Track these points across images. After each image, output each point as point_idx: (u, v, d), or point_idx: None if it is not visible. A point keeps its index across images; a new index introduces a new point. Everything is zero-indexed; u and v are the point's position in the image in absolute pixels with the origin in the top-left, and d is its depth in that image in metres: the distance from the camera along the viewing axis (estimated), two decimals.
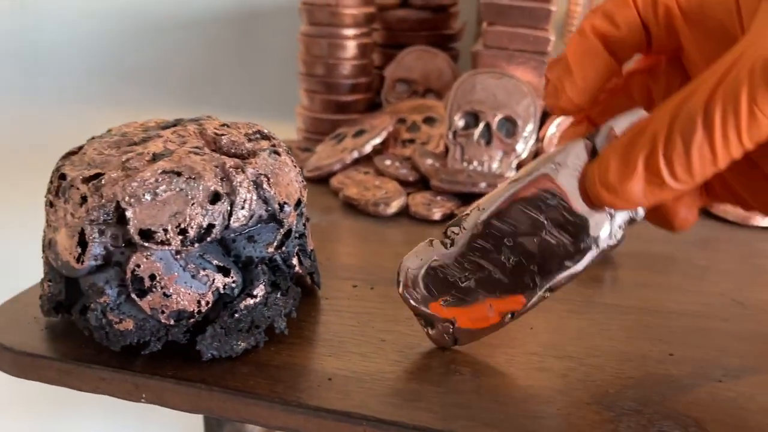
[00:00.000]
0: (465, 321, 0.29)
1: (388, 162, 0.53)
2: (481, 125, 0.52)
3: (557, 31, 0.71)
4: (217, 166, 0.28)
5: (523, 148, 0.52)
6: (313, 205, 0.49)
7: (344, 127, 0.60)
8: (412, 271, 0.29)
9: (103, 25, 0.81)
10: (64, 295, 0.30)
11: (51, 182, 0.29)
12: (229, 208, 0.28)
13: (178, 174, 0.27)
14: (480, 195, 0.49)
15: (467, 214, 0.28)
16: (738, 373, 0.30)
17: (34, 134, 0.83)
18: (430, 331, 0.30)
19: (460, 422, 0.26)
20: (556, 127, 0.56)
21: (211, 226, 0.28)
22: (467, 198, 0.49)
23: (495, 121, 0.52)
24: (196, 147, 0.29)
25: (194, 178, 0.27)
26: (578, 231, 0.26)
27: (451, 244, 0.28)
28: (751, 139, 0.20)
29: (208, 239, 0.28)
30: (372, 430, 0.26)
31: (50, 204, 0.29)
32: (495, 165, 0.52)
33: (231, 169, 0.28)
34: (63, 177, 0.29)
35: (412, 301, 0.29)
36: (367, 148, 0.54)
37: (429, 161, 0.52)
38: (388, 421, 0.26)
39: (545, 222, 0.27)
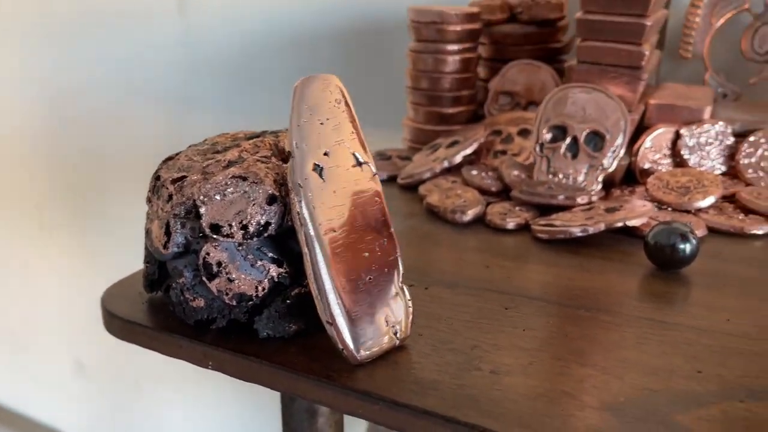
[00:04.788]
0: None
1: (474, 172, 0.56)
2: (568, 139, 0.53)
3: (674, 42, 0.69)
4: (277, 173, 0.33)
5: (611, 162, 0.53)
6: (399, 210, 0.53)
7: (442, 137, 0.63)
8: None
9: (243, 41, 0.91)
10: (157, 275, 0.36)
11: (151, 182, 0.36)
12: (283, 208, 0.33)
13: (244, 178, 0.33)
14: (558, 207, 0.50)
15: None
16: (765, 396, 0.29)
17: (183, 137, 0.95)
18: None
19: (464, 411, 0.28)
20: (651, 141, 0.56)
21: (267, 223, 0.32)
22: (546, 209, 0.50)
23: (582, 135, 0.53)
24: (264, 156, 0.35)
25: (256, 183, 0.32)
26: None
27: None
28: None
29: (265, 234, 0.33)
30: (386, 410, 0.29)
31: (149, 200, 0.36)
32: (580, 178, 0.53)
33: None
34: (158, 178, 0.35)
35: None
36: (457, 159, 0.57)
37: (515, 172, 0.54)
38: (400, 404, 0.29)
39: None
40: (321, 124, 0.32)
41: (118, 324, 0.37)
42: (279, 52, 0.89)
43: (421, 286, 0.40)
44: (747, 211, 0.50)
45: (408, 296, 0.34)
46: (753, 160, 0.54)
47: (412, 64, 0.67)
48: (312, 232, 0.31)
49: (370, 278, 0.32)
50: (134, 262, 0.44)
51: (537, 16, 0.67)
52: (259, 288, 0.33)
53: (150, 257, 0.36)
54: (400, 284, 0.33)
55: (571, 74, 0.56)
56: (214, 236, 0.32)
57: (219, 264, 0.33)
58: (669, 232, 0.41)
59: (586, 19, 0.54)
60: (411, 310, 0.34)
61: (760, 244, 0.47)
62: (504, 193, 0.54)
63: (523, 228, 0.49)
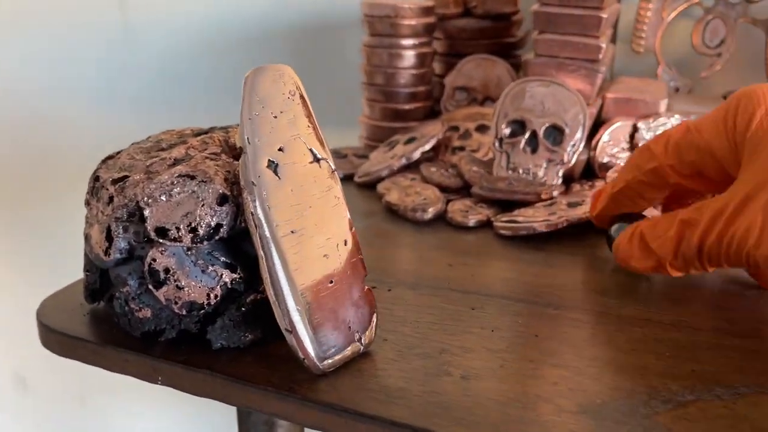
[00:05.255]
0: None
1: (433, 169, 0.54)
2: (528, 133, 0.52)
3: (626, 37, 0.69)
4: (228, 171, 0.31)
5: (571, 156, 0.52)
6: (357, 210, 0.51)
7: (399, 134, 0.61)
8: None
9: (187, 38, 0.87)
10: (98, 285, 0.33)
11: (89, 183, 0.33)
12: (236, 209, 0.30)
13: (192, 177, 0.30)
14: (519, 203, 0.49)
15: None
16: (742, 391, 0.29)
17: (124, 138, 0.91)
18: None
19: (435, 420, 0.27)
20: (609, 134, 0.55)
21: (219, 225, 0.30)
22: (507, 205, 0.49)
23: (541, 129, 0.52)
24: (214, 153, 0.32)
25: (205, 182, 0.30)
26: None
27: None
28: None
29: (217, 237, 0.30)
30: (352, 422, 0.27)
31: (87, 203, 0.33)
32: (540, 173, 0.52)
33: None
34: (97, 179, 0.32)
35: None
36: (416, 155, 0.56)
37: (474, 168, 0.53)
38: (366, 415, 0.27)
39: None
40: (275, 117, 0.30)
41: (56, 338, 0.34)
42: (226, 49, 0.86)
43: (384, 288, 0.38)
44: None
45: (372, 300, 0.32)
46: None
47: (367, 59, 0.65)
48: (268, 234, 0.29)
49: (331, 282, 0.30)
50: (76, 271, 0.41)
51: (491, 10, 0.66)
52: (211, 295, 0.31)
53: (90, 265, 0.33)
54: (363, 287, 0.32)
55: (528, 68, 0.55)
56: (161, 240, 0.30)
57: (166, 270, 0.30)
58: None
59: (543, 12, 0.53)
60: (375, 314, 0.32)
61: None
62: (464, 189, 0.52)
63: (485, 225, 0.48)
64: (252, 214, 0.29)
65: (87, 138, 0.94)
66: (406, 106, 0.65)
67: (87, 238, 0.33)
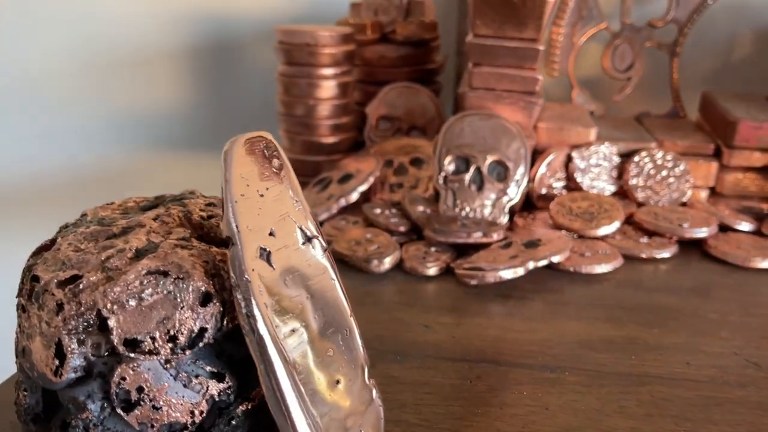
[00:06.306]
0: None
1: (377, 211, 0.51)
2: (472, 169, 0.51)
3: (540, 62, 0.70)
4: (206, 261, 0.26)
5: (515, 191, 0.51)
6: None
7: (328, 171, 0.58)
8: None
9: (80, 59, 0.78)
10: (42, 407, 0.27)
11: (23, 283, 0.27)
12: (221, 308, 0.26)
13: (165, 274, 0.25)
14: (476, 245, 0.47)
15: None
16: None
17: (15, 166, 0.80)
18: None
19: None
20: (546, 166, 0.55)
21: (203, 330, 0.25)
22: (463, 249, 0.47)
23: (486, 165, 0.51)
24: (183, 238, 0.27)
25: (182, 278, 0.25)
26: None
27: None
28: None
29: (201, 344, 0.25)
30: None
31: (23, 308, 0.26)
32: (487, 210, 0.50)
33: (221, 263, 0.26)
34: (36, 279, 0.26)
35: None
36: (354, 196, 0.52)
37: (420, 208, 0.50)
38: None
39: None
40: (261, 195, 0.26)
41: None
42: (109, 72, 0.78)
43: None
44: (648, 233, 0.51)
45: (377, 393, 0.28)
46: (640, 180, 0.55)
47: (284, 89, 0.60)
48: (269, 341, 0.24)
49: (338, 381, 0.26)
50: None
51: (412, 36, 0.63)
52: (196, 412, 0.26)
53: (29, 383, 0.27)
54: (368, 382, 0.28)
55: (465, 101, 0.54)
56: (131, 355, 0.24)
57: (140, 390, 0.25)
58: None
59: (478, 44, 0.52)
60: (382, 409, 0.28)
61: (666, 267, 0.47)
62: (414, 231, 0.50)
63: (446, 272, 0.45)
64: (248, 317, 0.24)
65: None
66: (330, 139, 0.61)
67: (24, 352, 0.26)
